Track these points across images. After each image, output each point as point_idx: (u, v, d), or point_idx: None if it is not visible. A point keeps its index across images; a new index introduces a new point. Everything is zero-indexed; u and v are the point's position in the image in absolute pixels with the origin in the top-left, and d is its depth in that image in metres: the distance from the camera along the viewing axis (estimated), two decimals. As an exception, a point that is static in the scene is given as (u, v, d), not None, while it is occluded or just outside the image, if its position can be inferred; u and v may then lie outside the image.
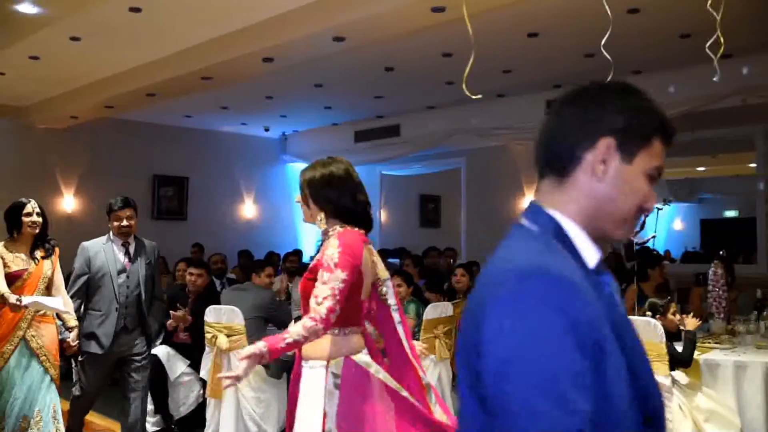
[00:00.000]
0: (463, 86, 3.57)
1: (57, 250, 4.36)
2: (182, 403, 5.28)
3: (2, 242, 4.17)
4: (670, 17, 6.10)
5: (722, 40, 3.07)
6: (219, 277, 7.55)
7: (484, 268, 1.16)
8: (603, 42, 3.42)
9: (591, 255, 1.17)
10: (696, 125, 7.99)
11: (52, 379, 4.11)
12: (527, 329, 0.97)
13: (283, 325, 5.13)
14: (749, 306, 5.40)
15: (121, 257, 4.39)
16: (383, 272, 2.67)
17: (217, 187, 11.28)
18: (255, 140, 11.93)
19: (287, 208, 12.05)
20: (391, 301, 2.68)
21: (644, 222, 12.43)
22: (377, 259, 2.66)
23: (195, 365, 5.25)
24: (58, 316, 4.23)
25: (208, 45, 6.38)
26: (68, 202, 9.74)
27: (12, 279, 4.07)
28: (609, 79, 4.22)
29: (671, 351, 3.86)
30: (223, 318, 4.86)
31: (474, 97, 3.61)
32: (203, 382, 5.16)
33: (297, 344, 2.34)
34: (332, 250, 2.43)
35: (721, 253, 4.96)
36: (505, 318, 0.99)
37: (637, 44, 6.47)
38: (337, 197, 2.57)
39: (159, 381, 5.16)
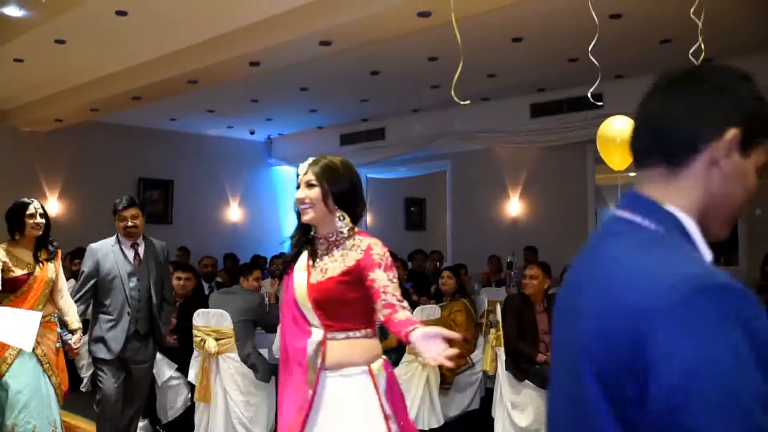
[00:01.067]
0: (452, 92, 3.62)
1: (60, 252, 4.18)
2: (170, 407, 5.26)
3: (3, 245, 3.92)
4: (651, 23, 6.21)
5: (703, 46, 3.13)
6: (208, 281, 7.54)
7: (600, 272, 1.04)
8: (590, 48, 3.47)
9: (708, 257, 1.06)
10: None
11: (54, 389, 3.91)
12: (709, 347, 0.89)
13: (272, 329, 5.15)
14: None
15: (131, 259, 4.24)
16: None
17: (203, 190, 11.27)
18: (241, 143, 11.93)
19: (273, 210, 12.07)
20: None
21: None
22: None
23: (182, 369, 5.25)
24: (60, 320, 4.06)
25: (195, 48, 6.39)
26: (53, 206, 9.68)
27: (17, 284, 3.85)
28: (597, 83, 4.32)
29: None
30: (212, 321, 4.86)
31: (462, 103, 3.66)
32: (191, 386, 5.15)
33: None
34: (380, 249, 2.37)
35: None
36: (685, 337, 0.89)
37: (619, 49, 6.57)
38: (361, 198, 2.50)
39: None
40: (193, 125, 10.83)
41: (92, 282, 4.16)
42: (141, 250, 4.28)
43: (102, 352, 4.11)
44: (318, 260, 2.44)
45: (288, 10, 5.57)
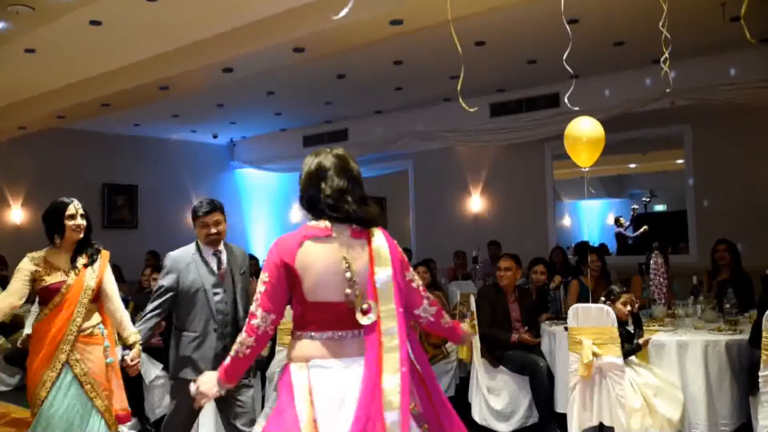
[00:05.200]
0: (459, 100, 3.85)
1: (105, 254, 3.69)
2: (157, 405, 5.42)
3: (42, 252, 3.56)
4: (606, 27, 6.60)
5: (667, 53, 3.45)
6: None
7: None
8: (565, 56, 3.78)
9: None
10: (627, 126, 8.57)
11: (99, 412, 3.47)
12: None
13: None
14: (684, 292, 5.89)
15: (215, 269, 3.75)
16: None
17: (167, 194, 11.30)
18: (203, 147, 12.00)
19: (236, 213, 12.15)
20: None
21: (632, 218, 12.97)
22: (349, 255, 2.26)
23: (168, 368, 5.38)
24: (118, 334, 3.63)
25: (168, 55, 6.48)
26: (16, 214, 9.62)
27: (49, 294, 3.47)
28: (557, 84, 4.63)
29: (624, 343, 4.28)
30: (199, 321, 5.01)
31: (471, 110, 3.90)
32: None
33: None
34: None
35: (654, 244, 5.39)
36: None
37: (575, 51, 6.92)
38: (304, 189, 2.34)
39: (135, 384, 5.27)
40: (157, 130, 10.87)
41: (170, 295, 3.66)
42: (224, 258, 3.79)
43: (188, 373, 3.54)
44: None
45: (263, 18, 5.74)
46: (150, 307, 3.69)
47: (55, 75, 7.25)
